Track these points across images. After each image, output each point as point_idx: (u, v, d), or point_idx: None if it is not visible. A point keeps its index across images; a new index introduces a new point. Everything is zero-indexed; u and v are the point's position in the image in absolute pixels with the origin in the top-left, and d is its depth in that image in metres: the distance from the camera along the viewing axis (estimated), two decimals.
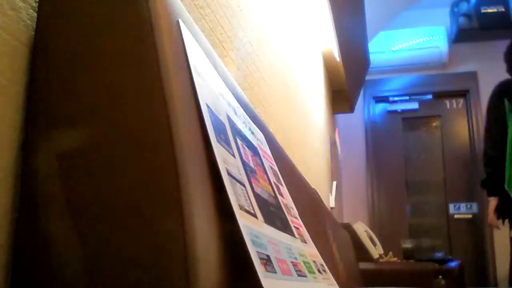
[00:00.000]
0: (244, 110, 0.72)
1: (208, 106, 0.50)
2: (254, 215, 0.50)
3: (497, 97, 2.54)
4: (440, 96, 4.35)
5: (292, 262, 0.55)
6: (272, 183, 0.69)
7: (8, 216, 0.40)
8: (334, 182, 3.30)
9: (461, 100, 4.32)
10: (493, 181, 2.47)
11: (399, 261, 3.02)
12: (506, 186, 2.41)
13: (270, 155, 0.79)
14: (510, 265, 2.41)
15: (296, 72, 2.06)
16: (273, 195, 0.66)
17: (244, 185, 0.51)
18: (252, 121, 0.76)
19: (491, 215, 2.55)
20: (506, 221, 2.51)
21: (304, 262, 0.62)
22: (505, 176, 2.41)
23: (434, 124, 4.36)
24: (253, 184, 0.56)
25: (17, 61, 0.44)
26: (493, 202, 2.53)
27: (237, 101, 0.69)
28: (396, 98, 4.43)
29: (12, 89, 0.43)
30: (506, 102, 2.48)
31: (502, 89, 2.55)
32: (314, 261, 0.69)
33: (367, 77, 3.91)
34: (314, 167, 2.48)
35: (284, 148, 1.20)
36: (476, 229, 4.00)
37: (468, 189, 4.10)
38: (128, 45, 0.43)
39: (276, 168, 0.78)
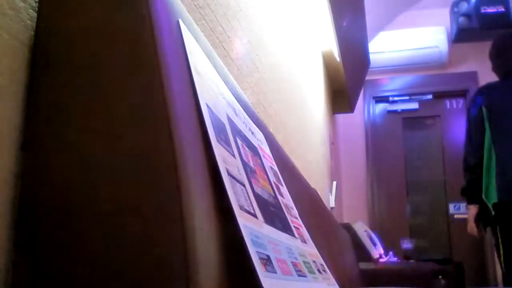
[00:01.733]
0: (244, 110, 0.72)
1: (208, 106, 0.50)
2: (254, 215, 0.50)
3: (475, 104, 2.50)
4: (440, 96, 4.34)
5: (292, 262, 0.55)
6: (272, 183, 0.69)
7: (8, 216, 0.40)
8: (334, 182, 3.30)
9: (461, 100, 4.32)
10: (473, 189, 2.46)
11: (399, 261, 3.02)
12: (483, 196, 2.40)
13: (270, 155, 0.79)
14: (501, 269, 2.42)
15: (296, 72, 2.05)
16: (273, 195, 0.66)
17: (244, 185, 0.51)
18: (252, 121, 0.76)
19: (471, 224, 2.54)
20: (488, 229, 2.50)
21: (304, 262, 0.62)
22: (482, 186, 2.40)
23: (434, 124, 4.36)
24: (253, 184, 0.56)
25: (17, 61, 0.44)
26: (473, 210, 2.52)
27: (237, 101, 0.69)
28: (396, 98, 4.43)
29: (12, 89, 0.43)
30: (484, 109, 2.45)
31: (480, 96, 2.51)
32: (314, 261, 0.69)
33: (367, 77, 3.91)
34: (314, 167, 2.48)
35: (284, 148, 1.20)
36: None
37: None
38: (128, 45, 0.43)
39: (276, 168, 0.78)
